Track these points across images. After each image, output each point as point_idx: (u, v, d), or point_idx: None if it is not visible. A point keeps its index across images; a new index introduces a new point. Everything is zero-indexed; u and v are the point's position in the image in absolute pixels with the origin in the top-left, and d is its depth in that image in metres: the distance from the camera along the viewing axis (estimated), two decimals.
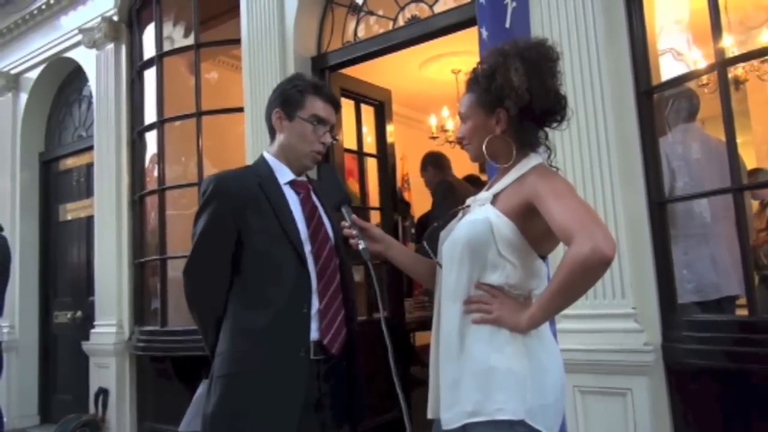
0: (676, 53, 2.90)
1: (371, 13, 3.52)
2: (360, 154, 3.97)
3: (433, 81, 5.49)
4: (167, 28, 4.32)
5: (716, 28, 2.22)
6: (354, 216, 1.63)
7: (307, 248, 1.67)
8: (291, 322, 1.61)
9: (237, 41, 3.77)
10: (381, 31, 3.45)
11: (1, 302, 3.66)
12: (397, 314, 3.80)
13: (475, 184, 4.24)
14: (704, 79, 3.10)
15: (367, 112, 4.01)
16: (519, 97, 1.32)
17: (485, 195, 1.41)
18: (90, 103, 4.90)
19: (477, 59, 1.52)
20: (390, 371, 1.46)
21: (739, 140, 2.21)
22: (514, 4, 2.32)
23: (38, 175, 5.37)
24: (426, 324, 4.09)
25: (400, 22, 3.37)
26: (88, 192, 4.86)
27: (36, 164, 5.38)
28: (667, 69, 2.64)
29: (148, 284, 4.27)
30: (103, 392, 4.24)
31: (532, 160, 1.39)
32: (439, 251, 1.46)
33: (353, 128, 3.88)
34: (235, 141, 3.77)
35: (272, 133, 1.80)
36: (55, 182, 5.34)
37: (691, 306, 2.54)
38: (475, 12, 2.48)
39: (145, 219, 4.31)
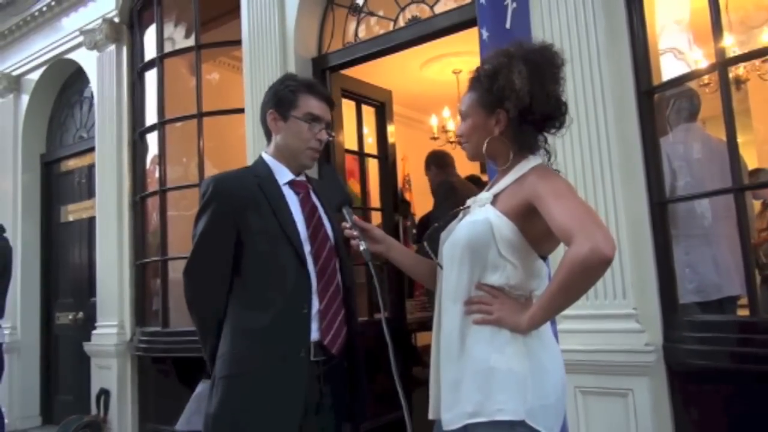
0: (677, 53, 2.90)
1: (372, 13, 3.52)
2: (361, 155, 3.97)
3: (434, 81, 5.48)
4: (168, 30, 4.32)
5: (717, 28, 2.22)
6: (355, 217, 1.63)
7: (307, 248, 1.67)
8: (291, 322, 1.61)
9: (238, 42, 3.78)
10: (381, 31, 3.45)
11: (3, 303, 3.68)
12: (398, 315, 3.80)
13: (476, 185, 4.24)
14: (705, 78, 3.09)
15: (368, 113, 4.01)
16: (519, 99, 1.32)
17: (485, 195, 1.41)
18: (91, 104, 4.91)
19: (478, 59, 1.53)
20: (391, 372, 1.46)
21: (740, 140, 2.21)
22: (515, 4, 2.32)
23: (40, 176, 5.38)
24: (427, 324, 4.09)
25: (401, 23, 3.37)
26: (90, 193, 4.87)
27: (37, 165, 5.39)
28: (668, 69, 2.64)
29: (150, 285, 4.27)
30: (104, 393, 4.25)
31: (532, 161, 1.39)
32: (439, 252, 1.46)
33: (354, 129, 3.88)
34: (236, 142, 3.77)
35: (268, 135, 1.80)
36: (57, 183, 5.35)
37: (692, 306, 2.53)
38: (475, 12, 2.49)
39: (146, 220, 4.32)
